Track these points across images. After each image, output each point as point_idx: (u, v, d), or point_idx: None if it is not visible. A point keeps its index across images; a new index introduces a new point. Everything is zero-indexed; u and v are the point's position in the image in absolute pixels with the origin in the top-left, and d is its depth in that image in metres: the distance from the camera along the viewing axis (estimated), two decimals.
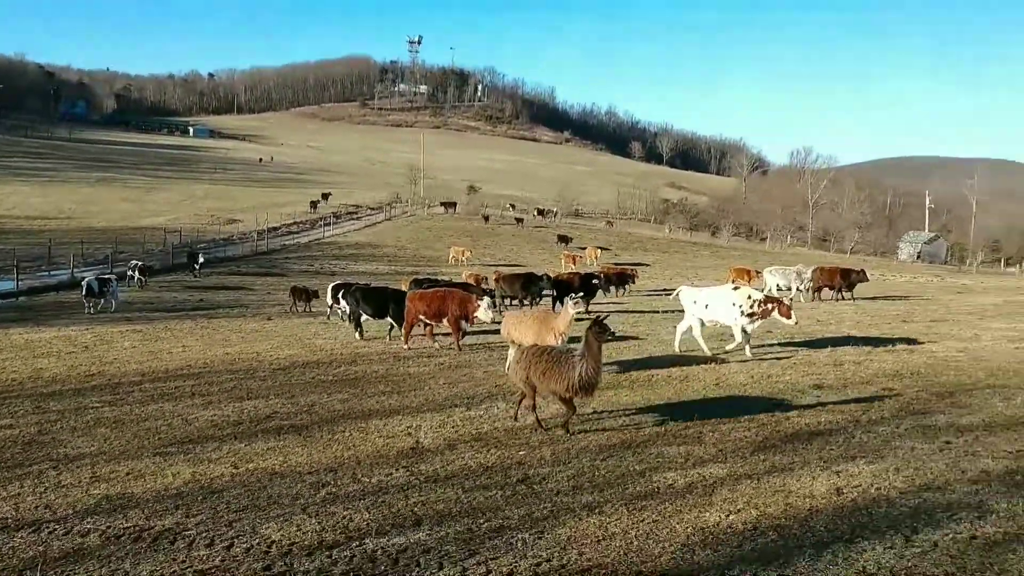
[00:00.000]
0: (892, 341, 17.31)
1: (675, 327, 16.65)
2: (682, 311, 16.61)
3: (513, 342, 13.31)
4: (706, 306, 15.77)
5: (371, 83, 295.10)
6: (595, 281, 27.79)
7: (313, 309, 27.03)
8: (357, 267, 49.44)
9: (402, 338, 17.61)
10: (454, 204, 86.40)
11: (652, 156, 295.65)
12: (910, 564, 5.75)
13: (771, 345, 17.12)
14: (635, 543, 6.26)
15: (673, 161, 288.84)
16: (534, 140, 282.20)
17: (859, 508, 6.93)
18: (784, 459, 8.51)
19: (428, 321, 17.33)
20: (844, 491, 7.37)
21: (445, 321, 17.02)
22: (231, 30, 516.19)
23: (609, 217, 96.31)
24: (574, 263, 52.95)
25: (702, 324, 15.90)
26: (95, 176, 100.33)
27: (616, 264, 48.89)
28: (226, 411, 11.46)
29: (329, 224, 71.28)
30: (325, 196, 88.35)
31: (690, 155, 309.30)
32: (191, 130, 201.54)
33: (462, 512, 7.05)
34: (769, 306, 15.31)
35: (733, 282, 44.33)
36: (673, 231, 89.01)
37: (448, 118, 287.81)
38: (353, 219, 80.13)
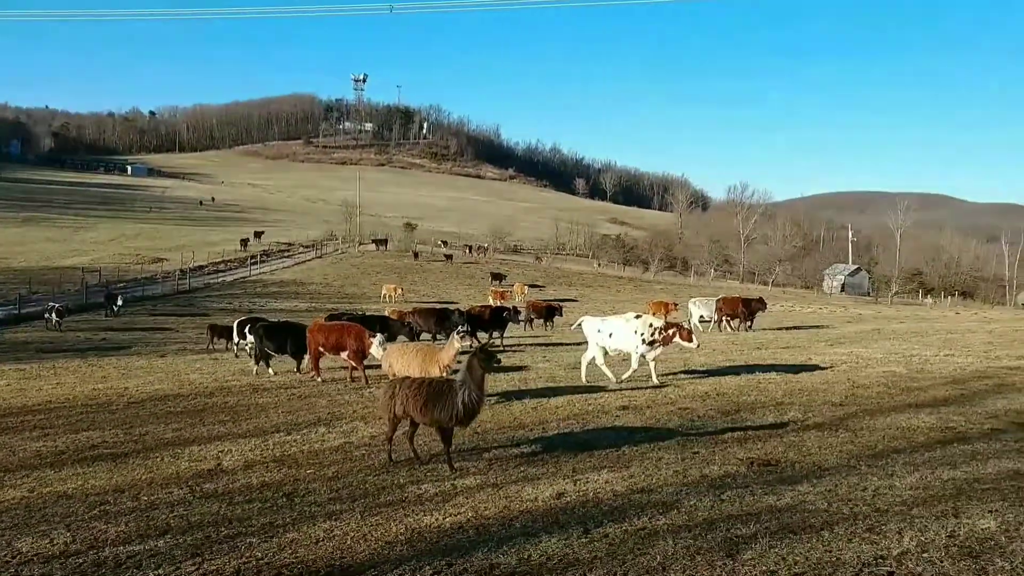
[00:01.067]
0: (736, 369, 18.38)
1: (580, 358, 17.20)
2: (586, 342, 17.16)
3: (395, 375, 13.38)
4: (610, 335, 16.32)
5: (316, 121, 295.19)
6: (505, 314, 28.59)
7: (230, 346, 27.28)
8: (278, 304, 49.68)
9: (310, 369, 18.21)
10: (385, 241, 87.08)
11: (596, 192, 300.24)
12: (569, 551, 6.59)
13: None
14: (346, 543, 7.02)
15: (616, 197, 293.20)
16: (478, 177, 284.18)
17: (565, 509, 7.79)
18: (539, 470, 9.36)
19: (328, 353, 17.81)
20: (565, 495, 8.24)
21: (344, 355, 17.59)
22: (173, 67, 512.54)
23: (538, 253, 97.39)
24: (503, 299, 53.57)
25: (605, 353, 16.44)
26: (22, 216, 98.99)
27: (544, 300, 49.92)
28: (58, 442, 11.95)
29: (258, 262, 71.17)
30: (258, 234, 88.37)
31: (633, 191, 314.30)
32: (129, 168, 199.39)
33: (212, 523, 7.73)
34: (670, 331, 16.02)
35: (653, 315, 45.72)
36: (603, 266, 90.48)
37: (393, 155, 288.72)
38: (284, 257, 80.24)
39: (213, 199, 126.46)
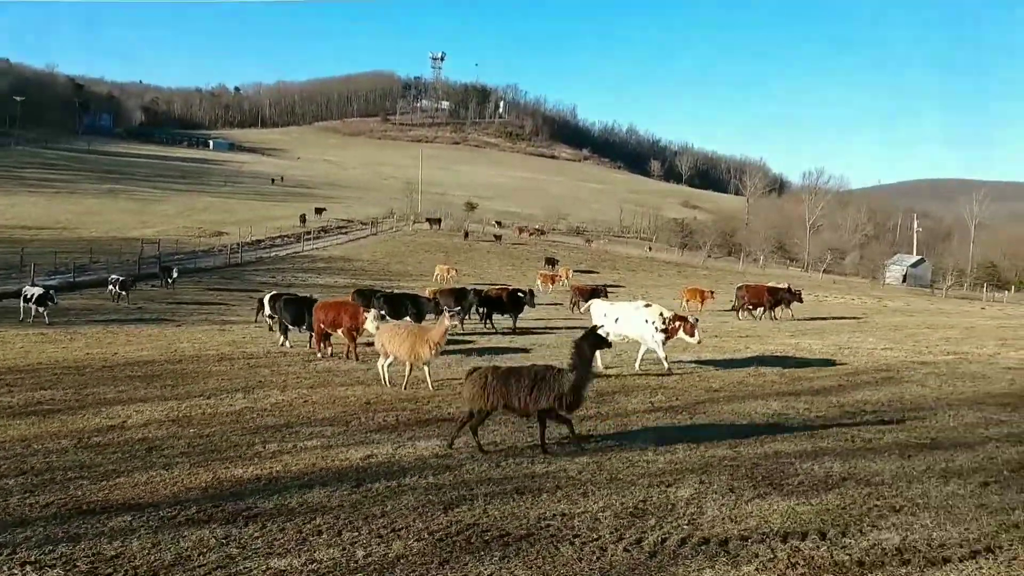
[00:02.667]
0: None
1: None
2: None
3: (386, 353, 14.28)
4: (616, 320, 16.56)
5: (394, 98, 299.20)
6: (521, 297, 29.46)
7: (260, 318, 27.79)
8: (320, 280, 51.79)
9: (314, 346, 19.07)
10: (439, 220, 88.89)
11: (671, 175, 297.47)
12: (325, 501, 7.92)
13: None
14: (159, 488, 8.49)
15: (692, 180, 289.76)
16: (552, 157, 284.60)
17: (359, 468, 9.12)
18: (391, 436, 10.68)
19: (329, 330, 18.71)
20: (372, 457, 9.57)
21: (340, 332, 18.45)
22: (259, 45, 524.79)
23: (589, 236, 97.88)
24: (552, 282, 54.59)
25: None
26: (105, 187, 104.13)
27: (590, 284, 50.59)
28: (14, 398, 13.59)
29: (313, 238, 73.83)
30: (318, 211, 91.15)
31: (710, 174, 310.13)
32: (211, 143, 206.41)
33: (67, 467, 9.26)
34: (676, 324, 16.21)
35: (687, 301, 46.22)
36: (654, 250, 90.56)
37: (468, 134, 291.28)
38: (341, 233, 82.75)
39: (283, 178, 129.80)
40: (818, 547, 6.47)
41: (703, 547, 6.48)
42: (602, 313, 16.99)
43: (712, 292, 43.41)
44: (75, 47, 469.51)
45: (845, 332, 25.82)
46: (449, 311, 15.25)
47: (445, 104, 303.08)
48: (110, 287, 35.48)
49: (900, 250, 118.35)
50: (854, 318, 36.67)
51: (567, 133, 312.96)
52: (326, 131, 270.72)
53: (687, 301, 45.92)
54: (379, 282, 49.73)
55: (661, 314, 16.19)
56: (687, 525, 7.03)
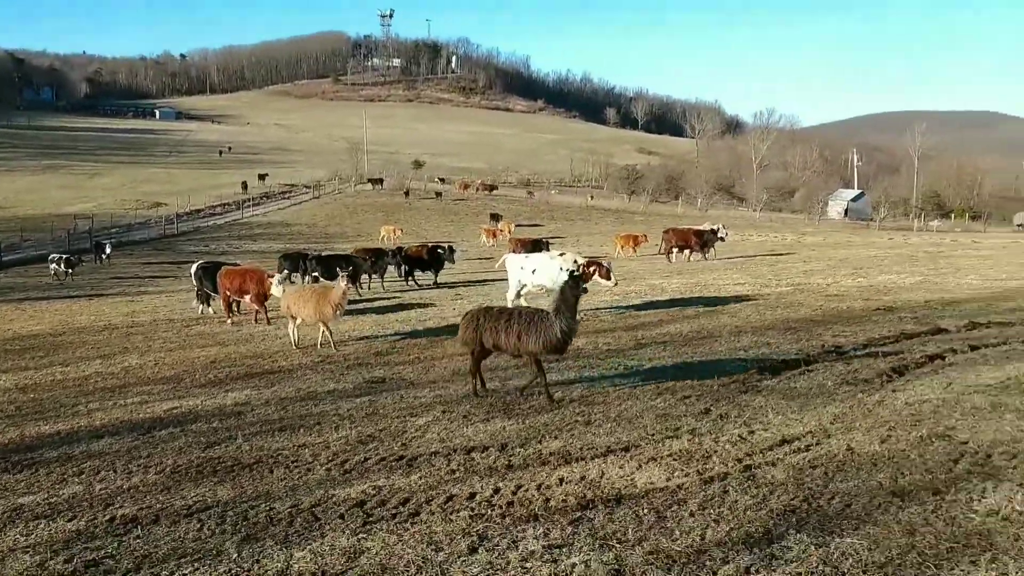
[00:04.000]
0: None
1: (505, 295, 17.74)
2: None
3: (292, 316, 14.74)
4: (533, 271, 16.81)
5: (344, 59, 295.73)
6: (439, 251, 30.18)
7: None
8: (254, 246, 52.29)
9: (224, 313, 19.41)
10: (381, 180, 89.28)
11: (627, 122, 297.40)
12: (109, 446, 8.99)
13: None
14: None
15: (648, 126, 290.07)
16: (507, 110, 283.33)
17: (156, 419, 10.19)
18: (209, 391, 11.76)
19: (236, 297, 19.16)
20: (176, 409, 10.64)
21: (247, 298, 18.82)
22: (205, 10, 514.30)
23: (530, 188, 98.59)
24: (494, 237, 55.02)
25: (522, 288, 17.01)
26: (43, 164, 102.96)
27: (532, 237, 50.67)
28: None
29: (251, 205, 74.05)
30: (262, 176, 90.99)
31: (666, 119, 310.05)
32: (157, 112, 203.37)
33: None
34: (591, 269, 16.58)
35: (620, 247, 47.19)
36: (596, 198, 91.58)
37: (421, 91, 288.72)
38: (283, 198, 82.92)
39: (231, 148, 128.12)
40: (488, 456, 7.65)
41: (396, 463, 7.63)
42: (519, 266, 17.14)
43: (646, 236, 44.16)
44: (14, 20, 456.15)
45: (721, 271, 27.09)
46: (342, 271, 15.65)
47: (396, 62, 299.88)
48: (53, 265, 35.31)
49: (844, 186, 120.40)
50: (758, 255, 37.86)
51: (521, 85, 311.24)
52: (277, 95, 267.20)
53: (620, 247, 47.00)
54: (315, 245, 50.35)
55: (575, 260, 16.55)
56: (399, 447, 8.18)
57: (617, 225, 66.93)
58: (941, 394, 9.01)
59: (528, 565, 5.25)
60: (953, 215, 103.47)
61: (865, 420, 8.22)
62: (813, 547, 5.30)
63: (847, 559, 5.14)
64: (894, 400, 8.91)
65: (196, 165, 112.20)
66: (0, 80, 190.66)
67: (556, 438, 8.17)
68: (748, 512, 5.95)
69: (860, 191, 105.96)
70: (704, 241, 37.50)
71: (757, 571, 5.04)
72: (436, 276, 28.30)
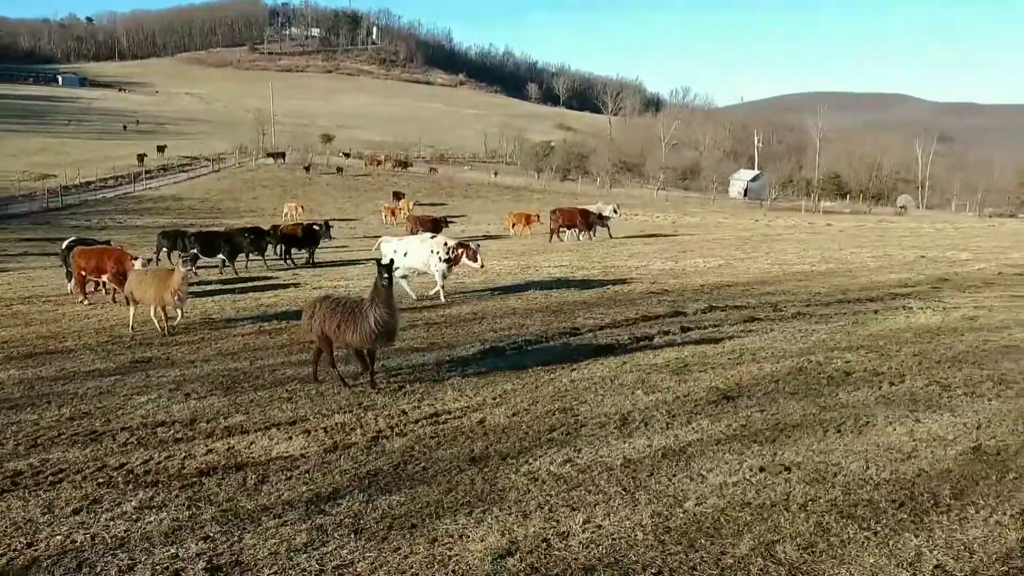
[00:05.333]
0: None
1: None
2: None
3: (136, 301, 14.54)
4: (405, 254, 17.13)
5: (261, 27, 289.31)
6: (315, 228, 30.43)
7: None
8: (137, 221, 51.70)
9: (76, 292, 19.06)
10: (283, 155, 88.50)
11: (549, 97, 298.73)
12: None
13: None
14: None
15: (570, 102, 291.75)
16: (428, 83, 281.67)
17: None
18: None
19: (93, 277, 18.66)
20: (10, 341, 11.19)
21: (104, 277, 18.30)
22: None
23: (433, 165, 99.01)
24: (393, 215, 55.04)
25: (402, 274, 17.07)
26: None
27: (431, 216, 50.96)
28: None
29: (145, 178, 72.84)
30: (160, 148, 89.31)
31: (588, 95, 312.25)
32: (60, 79, 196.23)
33: None
34: (460, 251, 16.84)
35: (512, 226, 48.08)
36: (501, 175, 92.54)
37: (341, 62, 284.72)
38: (182, 171, 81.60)
39: (137, 123, 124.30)
40: (169, 431, 8.52)
41: (84, 438, 8.41)
42: (392, 249, 17.50)
43: (538, 216, 44.86)
44: None
45: (560, 253, 28.26)
46: (183, 256, 15.81)
47: (315, 32, 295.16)
48: None
49: (745, 166, 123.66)
50: (627, 237, 39.17)
51: (443, 58, 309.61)
52: (189, 62, 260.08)
53: (512, 225, 47.98)
54: (204, 220, 50.17)
55: (445, 243, 17.04)
56: (101, 423, 8.91)
57: (514, 203, 67.94)
58: (609, 373, 10.23)
59: (110, 523, 6.16)
60: (848, 196, 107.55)
61: (523, 396, 9.36)
62: (359, 504, 6.35)
63: (378, 510, 6.19)
64: (564, 378, 10.09)
65: (96, 135, 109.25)
66: None
67: (246, 413, 9.07)
68: (337, 476, 6.98)
69: (759, 172, 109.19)
70: (589, 222, 38.75)
71: (295, 524, 6.03)
72: (311, 255, 28.54)
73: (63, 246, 21.97)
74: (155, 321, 14.85)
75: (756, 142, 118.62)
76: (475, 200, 72.53)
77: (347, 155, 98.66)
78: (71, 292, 20.22)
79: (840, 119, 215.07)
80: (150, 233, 40.96)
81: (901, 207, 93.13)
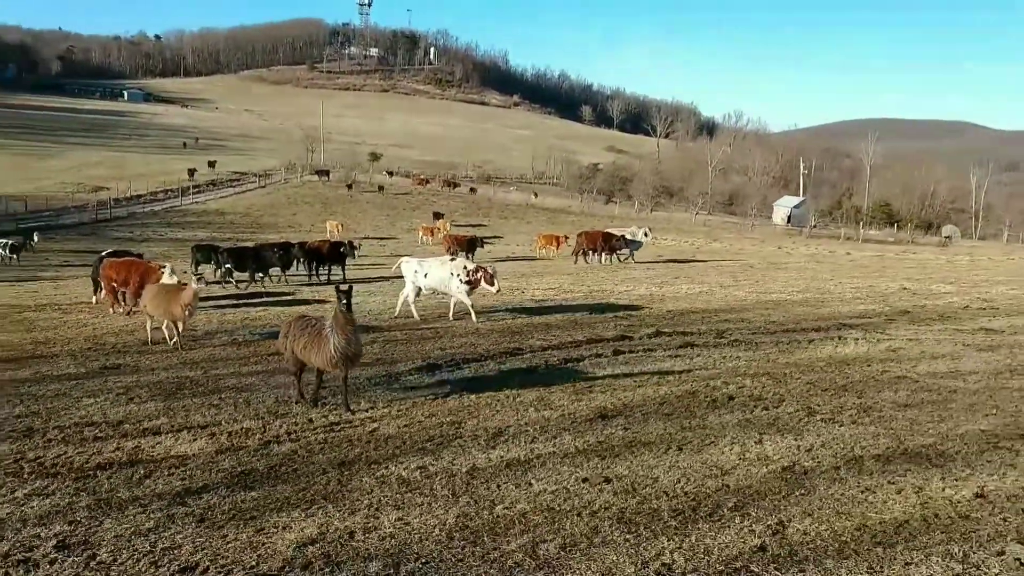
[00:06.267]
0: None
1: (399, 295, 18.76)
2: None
3: (149, 314, 15.15)
4: (425, 275, 17.65)
5: (321, 46, 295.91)
6: (342, 249, 31.43)
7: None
8: (178, 234, 53.75)
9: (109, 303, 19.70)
10: (327, 172, 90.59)
11: (603, 120, 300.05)
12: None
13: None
14: None
15: (623, 125, 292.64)
16: (482, 104, 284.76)
17: None
18: None
19: (123, 288, 19.22)
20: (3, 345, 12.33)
21: (130, 288, 18.65)
22: None
23: (473, 184, 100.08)
24: (432, 234, 56.08)
25: (419, 292, 17.99)
26: None
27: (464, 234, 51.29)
28: None
29: (191, 192, 75.27)
30: (211, 163, 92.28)
31: (641, 119, 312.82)
32: (125, 94, 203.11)
33: None
34: (479, 275, 17.20)
35: (541, 247, 48.92)
36: (540, 196, 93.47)
37: (397, 81, 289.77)
38: (230, 186, 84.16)
39: (197, 140, 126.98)
40: (95, 430, 9.44)
41: (15, 435, 9.40)
42: (413, 270, 17.94)
43: (566, 237, 45.58)
44: None
45: (564, 276, 28.88)
46: (196, 275, 16.47)
47: (374, 51, 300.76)
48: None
49: (792, 192, 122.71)
50: (648, 262, 39.53)
51: (498, 79, 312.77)
52: (251, 80, 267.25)
53: (541, 247, 48.82)
54: (242, 235, 51.97)
55: (465, 267, 17.43)
56: (40, 422, 9.91)
57: (548, 225, 68.71)
58: (515, 391, 10.96)
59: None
60: (896, 225, 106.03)
61: (424, 409, 10.16)
62: (219, 497, 7.18)
63: (230, 504, 7.01)
64: (473, 394, 10.86)
65: (154, 150, 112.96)
66: None
67: (170, 417, 9.98)
68: (214, 474, 7.82)
69: (803, 199, 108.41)
70: (612, 245, 39.23)
71: (152, 513, 6.86)
72: (342, 271, 29.73)
73: (98, 257, 22.93)
74: (164, 332, 15.47)
75: (802, 168, 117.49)
76: (511, 221, 73.49)
77: (391, 174, 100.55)
78: (98, 303, 21.24)
79: (899, 147, 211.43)
80: (188, 246, 42.68)
81: (946, 237, 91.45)
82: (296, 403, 10.50)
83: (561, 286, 24.50)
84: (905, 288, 24.01)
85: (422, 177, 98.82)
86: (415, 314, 17.78)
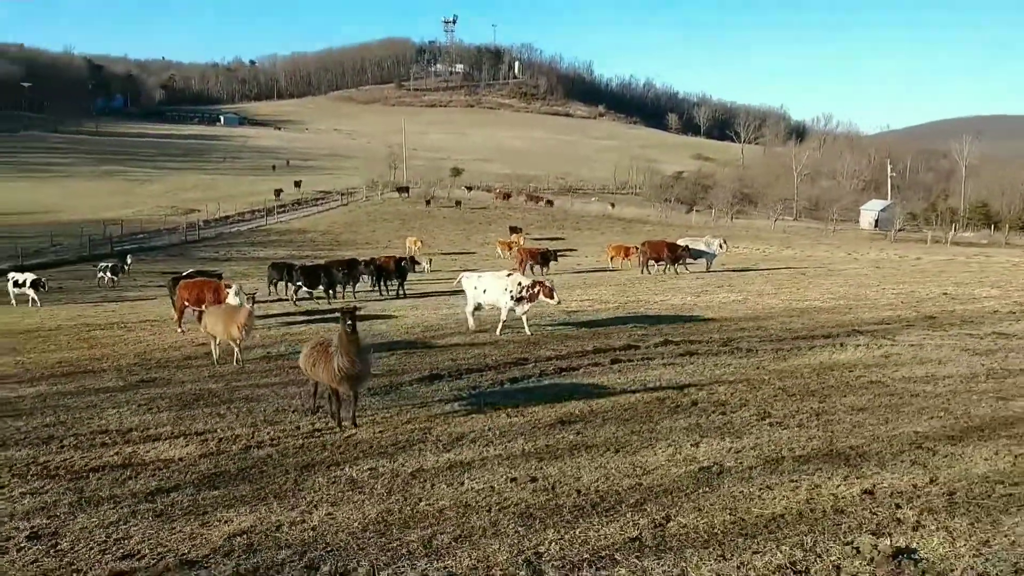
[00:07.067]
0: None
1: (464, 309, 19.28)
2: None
3: (211, 334, 15.76)
4: (484, 291, 18.02)
5: (408, 64, 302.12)
6: (403, 264, 32.24)
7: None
8: (260, 253, 56.12)
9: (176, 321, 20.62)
10: (407, 188, 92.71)
11: (690, 127, 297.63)
12: None
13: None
14: None
15: (711, 132, 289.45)
16: (567, 115, 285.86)
17: None
18: None
19: (194, 307, 20.23)
20: (63, 361, 13.70)
21: (204, 306, 19.31)
22: (275, 16, 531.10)
23: (550, 197, 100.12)
24: (509, 249, 56.70)
25: (478, 307, 18.40)
26: (102, 169, 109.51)
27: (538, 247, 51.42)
28: None
29: (276, 212, 78.21)
30: (297, 184, 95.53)
31: (729, 125, 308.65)
32: (221, 119, 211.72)
33: None
34: (536, 289, 17.49)
35: (611, 258, 49.47)
36: (617, 206, 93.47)
37: (482, 96, 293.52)
38: (314, 205, 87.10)
39: (288, 162, 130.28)
40: (108, 436, 10.46)
41: (44, 440, 10.49)
42: (472, 285, 18.40)
43: (636, 248, 45.47)
44: (94, 25, 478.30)
45: (609, 287, 29.25)
46: (248, 295, 16.83)
47: (459, 67, 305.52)
48: (99, 273, 38.52)
49: (882, 196, 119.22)
50: (711, 272, 39.48)
51: (583, 90, 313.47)
52: (341, 100, 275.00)
53: (611, 257, 49.24)
54: (321, 253, 53.83)
55: (519, 283, 17.67)
56: (63, 431, 11.03)
57: (623, 235, 68.80)
58: (496, 400, 11.54)
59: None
60: (995, 226, 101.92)
61: (405, 416, 10.85)
62: (185, 495, 8.05)
63: (190, 501, 7.83)
64: (457, 402, 11.52)
65: (246, 172, 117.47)
66: (75, 87, 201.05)
67: (175, 425, 10.95)
68: (188, 475, 8.69)
69: (890, 202, 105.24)
70: (676, 256, 39.33)
71: (119, 508, 7.74)
72: (402, 286, 30.83)
73: (172, 278, 24.55)
74: (216, 351, 16.12)
75: (889, 171, 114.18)
76: (584, 232, 73.83)
77: (469, 189, 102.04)
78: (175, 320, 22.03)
79: (1003, 145, 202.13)
80: (267, 264, 44.59)
81: None
82: (313, 413, 11.19)
83: (600, 297, 24.90)
84: (946, 293, 23.52)
85: (504, 191, 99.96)
86: (471, 325, 18.19)
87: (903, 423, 9.41)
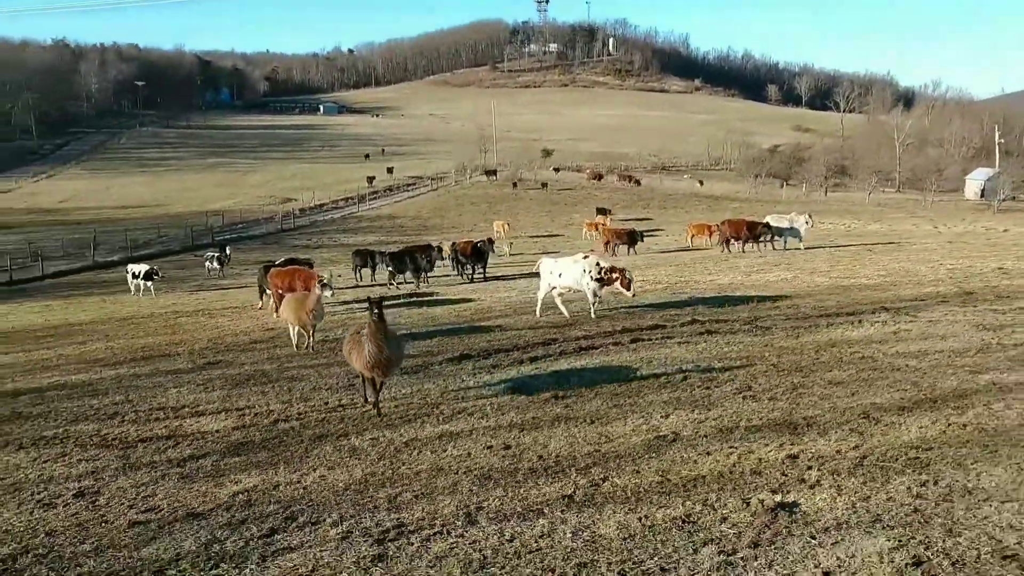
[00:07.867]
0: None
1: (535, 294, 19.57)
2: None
3: (290, 322, 16.46)
4: (560, 275, 18.12)
5: (501, 46, 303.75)
6: (479, 246, 32.81)
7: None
8: (350, 240, 58.44)
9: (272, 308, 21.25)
10: (495, 171, 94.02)
11: (790, 98, 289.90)
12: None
13: None
14: None
15: (812, 102, 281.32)
16: (662, 91, 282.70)
17: None
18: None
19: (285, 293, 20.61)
20: (147, 347, 15.49)
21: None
22: (371, 4, 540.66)
23: (638, 176, 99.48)
24: (596, 229, 57.04)
25: (553, 290, 18.51)
26: (209, 162, 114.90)
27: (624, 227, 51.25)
28: None
29: (368, 199, 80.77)
30: (389, 170, 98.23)
31: (833, 94, 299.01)
32: (321, 108, 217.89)
33: None
34: (614, 275, 17.39)
35: (692, 237, 49.75)
36: (710, 183, 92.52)
37: (577, 75, 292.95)
38: (405, 191, 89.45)
39: (383, 151, 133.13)
40: (165, 413, 11.90)
41: (109, 416, 12.02)
42: (548, 269, 18.48)
43: (719, 226, 44.36)
44: (203, 22, 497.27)
45: (666, 268, 29.71)
46: (321, 281, 17.03)
47: (553, 47, 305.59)
48: (207, 264, 41.55)
49: (994, 163, 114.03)
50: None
51: (678, 64, 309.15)
52: (436, 84, 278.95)
53: (692, 236, 49.44)
54: (408, 238, 55.63)
55: (597, 264, 17.62)
56: (136, 405, 12.56)
57: (708, 213, 68.46)
58: (507, 375, 12.50)
59: (55, 467, 9.49)
60: None
61: (422, 392, 11.91)
62: (209, 462, 9.28)
63: (212, 466, 9.08)
64: (472, 380, 12.51)
65: (343, 159, 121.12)
66: (184, 83, 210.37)
67: (222, 402, 12.31)
68: (218, 444, 9.96)
69: (996, 170, 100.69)
70: (756, 233, 39.21)
71: (151, 472, 9.06)
72: (482, 270, 31.83)
73: (263, 266, 25.75)
74: (295, 337, 16.93)
75: (996, 137, 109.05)
76: (671, 211, 73.75)
77: (556, 170, 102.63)
78: (262, 308, 23.98)
79: None
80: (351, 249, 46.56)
81: None
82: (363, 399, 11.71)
83: (655, 278, 25.47)
84: (1001, 268, 23.13)
85: (596, 171, 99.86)
86: (564, 313, 18.25)
87: (867, 396, 9.87)
